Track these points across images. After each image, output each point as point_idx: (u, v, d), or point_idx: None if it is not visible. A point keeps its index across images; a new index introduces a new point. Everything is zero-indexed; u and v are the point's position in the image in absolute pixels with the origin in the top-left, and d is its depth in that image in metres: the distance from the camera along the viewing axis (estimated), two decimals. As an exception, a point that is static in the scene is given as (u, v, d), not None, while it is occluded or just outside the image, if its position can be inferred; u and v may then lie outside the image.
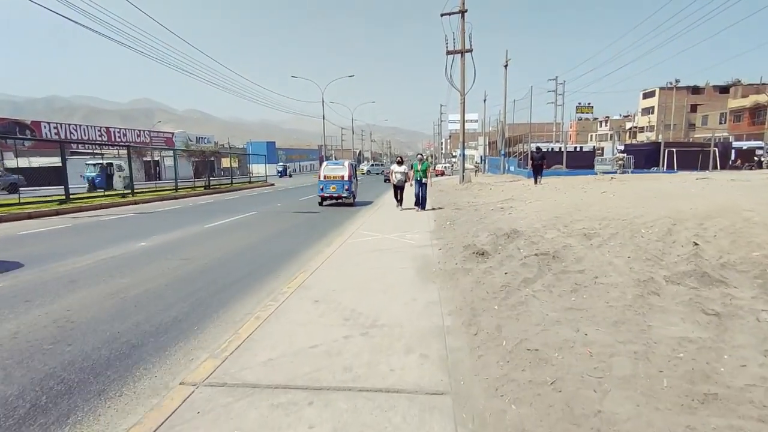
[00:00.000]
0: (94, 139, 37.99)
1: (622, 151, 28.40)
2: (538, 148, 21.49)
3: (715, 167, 25.04)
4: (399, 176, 11.57)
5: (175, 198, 17.55)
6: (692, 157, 26.74)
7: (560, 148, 34.69)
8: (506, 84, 34.34)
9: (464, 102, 22.09)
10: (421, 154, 12.05)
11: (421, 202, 11.35)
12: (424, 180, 11.26)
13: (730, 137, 40.84)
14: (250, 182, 27.98)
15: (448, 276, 4.56)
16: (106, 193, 15.90)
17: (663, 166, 26.80)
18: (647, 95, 63.55)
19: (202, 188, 21.31)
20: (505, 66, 34.06)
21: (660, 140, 34.11)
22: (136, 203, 15.19)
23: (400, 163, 11.91)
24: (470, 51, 22.18)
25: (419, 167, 11.24)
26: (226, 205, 14.80)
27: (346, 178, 13.52)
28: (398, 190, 11.77)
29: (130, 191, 16.46)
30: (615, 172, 22.21)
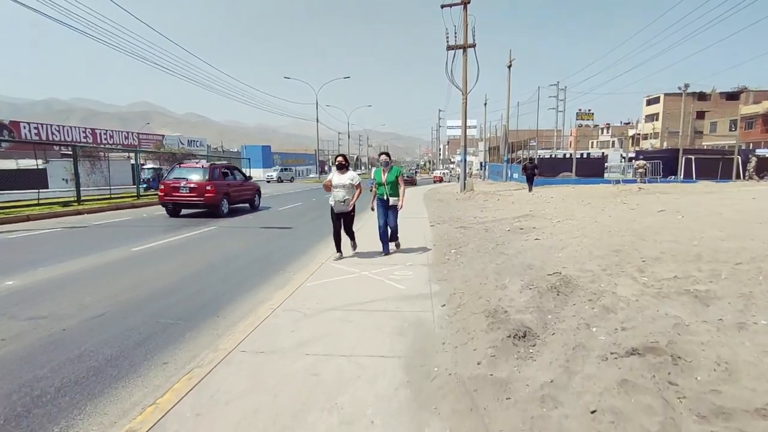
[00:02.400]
0: (79, 141, 35.87)
1: (638, 158, 26.20)
2: (530, 159, 20.66)
3: (738, 176, 23.01)
4: (340, 194, 5.89)
5: (134, 207, 15.19)
6: (712, 166, 24.73)
7: (564, 155, 32.66)
8: (510, 85, 32.36)
9: (466, 101, 19.96)
10: (386, 154, 6.39)
11: (389, 238, 6.38)
12: (392, 200, 6.11)
13: (742, 145, 38.95)
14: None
15: (466, 399, 2.28)
16: (41, 201, 13.49)
17: (680, 174, 24.76)
18: (651, 101, 61.94)
19: (172, 195, 18.96)
20: (509, 66, 32.08)
21: (674, 147, 32.19)
22: (79, 213, 12.83)
23: (343, 166, 6.02)
24: (473, 46, 20.13)
25: (384, 177, 6.13)
26: (187, 217, 12.49)
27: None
28: (339, 221, 6.07)
29: (75, 199, 14.08)
30: (635, 181, 20.04)
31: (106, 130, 41.37)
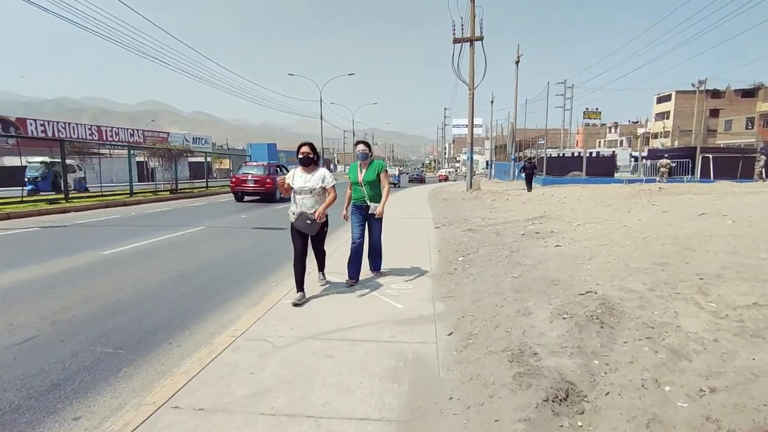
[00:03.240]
0: (85, 138, 35.69)
1: (663, 156, 24.96)
2: (529, 159, 20.48)
3: (761, 176, 21.87)
4: (308, 202, 3.99)
5: (125, 205, 14.52)
6: (730, 165, 23.55)
7: (573, 153, 31.56)
8: (517, 82, 31.35)
9: (473, 96, 19.07)
10: (365, 143, 4.69)
11: (371, 263, 4.90)
12: (374, 207, 4.49)
13: (761, 143, 37.50)
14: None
15: None
16: (25, 198, 12.85)
17: (697, 174, 23.63)
18: (662, 99, 60.38)
19: (168, 192, 18.31)
20: (517, 62, 31.10)
21: (687, 146, 31.06)
22: (65, 211, 12.17)
23: (310, 161, 4.04)
24: (481, 39, 19.26)
25: (360, 175, 4.53)
26: (178, 216, 11.80)
27: (397, 175, 28.95)
28: (304, 240, 4.08)
29: (63, 196, 13.43)
30: (654, 180, 19.04)
31: (112, 128, 41.30)
